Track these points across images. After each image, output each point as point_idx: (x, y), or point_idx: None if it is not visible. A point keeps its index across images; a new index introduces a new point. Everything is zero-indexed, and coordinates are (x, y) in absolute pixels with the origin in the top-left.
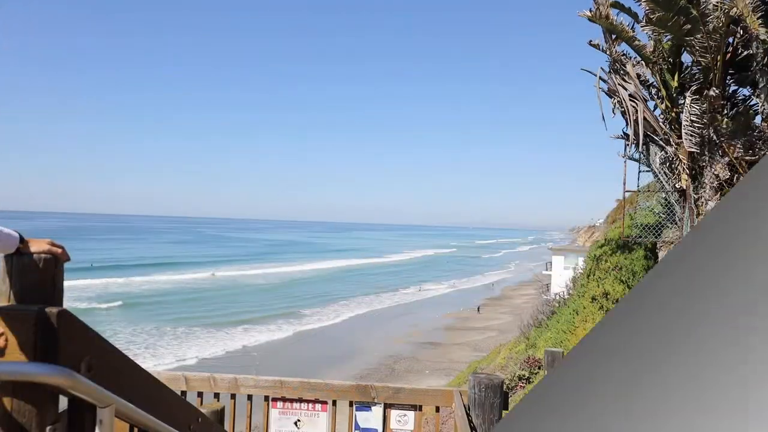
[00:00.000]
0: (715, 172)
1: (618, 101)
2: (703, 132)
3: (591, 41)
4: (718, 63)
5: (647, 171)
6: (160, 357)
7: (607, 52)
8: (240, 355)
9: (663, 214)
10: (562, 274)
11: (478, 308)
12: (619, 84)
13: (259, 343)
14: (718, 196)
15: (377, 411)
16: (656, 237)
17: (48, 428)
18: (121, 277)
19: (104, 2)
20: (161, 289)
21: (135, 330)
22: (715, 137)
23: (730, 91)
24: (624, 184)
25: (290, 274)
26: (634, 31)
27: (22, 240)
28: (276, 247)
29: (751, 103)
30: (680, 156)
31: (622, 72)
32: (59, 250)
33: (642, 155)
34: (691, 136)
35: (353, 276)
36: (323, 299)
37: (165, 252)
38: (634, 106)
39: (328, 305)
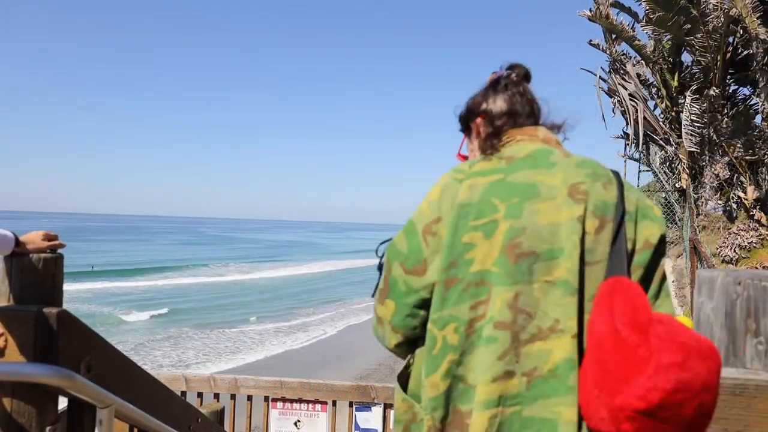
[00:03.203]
0: (715, 172)
1: (618, 101)
2: (703, 131)
3: (591, 41)
4: (718, 62)
5: (647, 171)
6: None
7: (607, 52)
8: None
9: (663, 214)
10: None
11: None
12: (619, 83)
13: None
14: (718, 195)
15: (377, 411)
16: None
17: (48, 429)
18: (143, 281)
19: (104, 2)
20: (185, 292)
21: (204, 335)
22: (715, 137)
23: (730, 91)
24: None
25: (302, 276)
26: (634, 31)
27: (17, 243)
28: (281, 248)
29: (751, 103)
30: (680, 155)
31: (622, 71)
32: (55, 242)
33: (642, 155)
34: (691, 135)
35: (363, 277)
36: (334, 301)
37: (172, 254)
38: (634, 106)
39: (339, 306)
